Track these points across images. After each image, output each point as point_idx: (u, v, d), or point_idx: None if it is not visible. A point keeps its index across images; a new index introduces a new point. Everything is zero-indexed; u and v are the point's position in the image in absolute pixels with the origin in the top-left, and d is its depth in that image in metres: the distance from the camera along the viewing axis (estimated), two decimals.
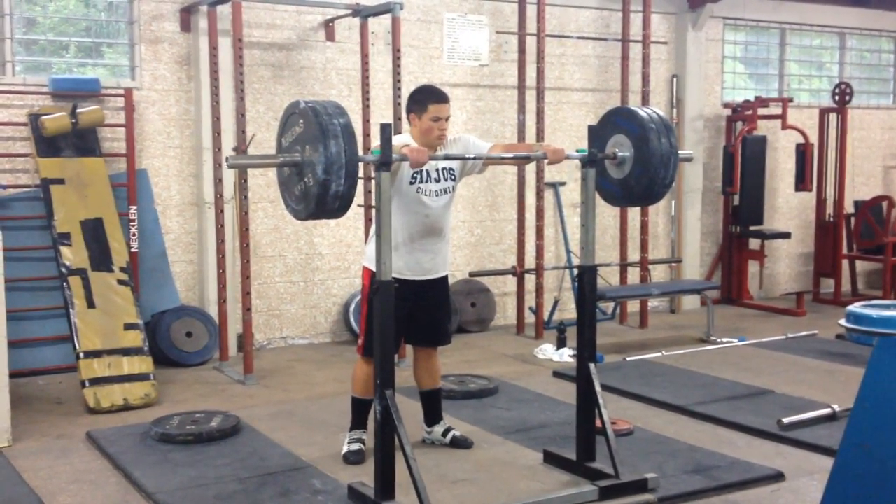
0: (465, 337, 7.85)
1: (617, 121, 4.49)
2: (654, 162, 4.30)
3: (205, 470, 4.55)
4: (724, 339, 7.61)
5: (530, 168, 7.95)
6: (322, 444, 4.94)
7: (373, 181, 4.64)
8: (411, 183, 4.46)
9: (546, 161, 4.41)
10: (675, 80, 9.05)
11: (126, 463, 4.63)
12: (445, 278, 4.76)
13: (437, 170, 4.52)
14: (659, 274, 9.15)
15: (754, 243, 9.41)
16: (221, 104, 6.62)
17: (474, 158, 4.49)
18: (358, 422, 4.77)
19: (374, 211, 4.80)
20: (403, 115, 6.73)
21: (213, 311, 6.98)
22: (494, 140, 7.95)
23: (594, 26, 8.65)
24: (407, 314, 4.52)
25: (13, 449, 4.91)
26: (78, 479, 4.50)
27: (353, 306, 7.54)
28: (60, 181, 6.37)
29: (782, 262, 10.10)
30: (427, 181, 4.50)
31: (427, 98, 4.49)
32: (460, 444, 4.88)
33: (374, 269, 4.44)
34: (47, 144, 6.43)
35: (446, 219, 4.63)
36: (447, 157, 4.40)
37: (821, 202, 9.62)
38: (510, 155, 4.68)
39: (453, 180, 4.59)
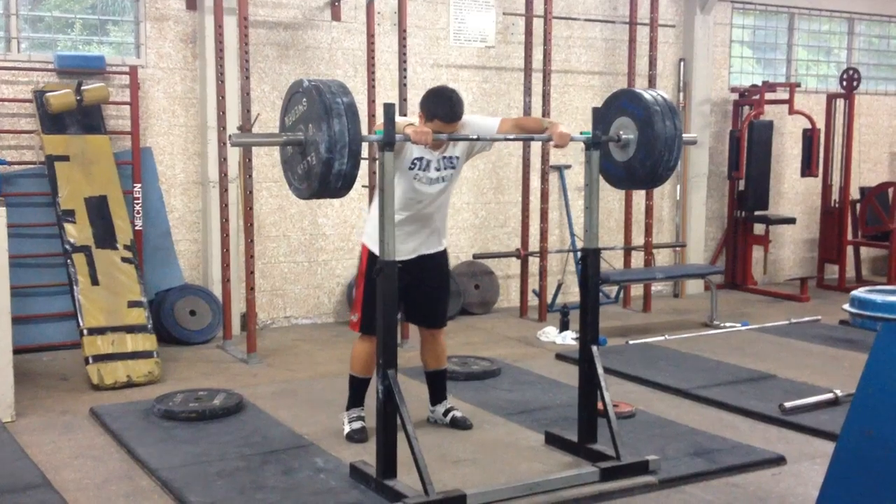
0: (468, 319, 7.86)
1: (621, 103, 4.47)
2: (659, 145, 4.29)
3: (208, 447, 4.57)
4: (728, 324, 7.62)
5: (535, 151, 7.94)
6: (325, 423, 4.96)
7: (376, 161, 4.61)
8: (410, 168, 4.44)
9: (552, 144, 4.39)
10: (682, 63, 9.02)
11: (129, 439, 4.65)
12: (443, 257, 4.72)
13: (439, 159, 4.48)
14: (663, 258, 9.14)
15: (759, 228, 9.38)
16: (226, 83, 6.60)
17: (478, 140, 4.44)
18: (355, 400, 4.78)
19: (373, 190, 4.81)
20: (409, 95, 6.77)
21: (216, 290, 6.99)
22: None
23: (601, 9, 8.60)
24: (405, 295, 4.48)
25: (17, 424, 4.93)
26: (81, 455, 4.53)
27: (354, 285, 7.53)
28: (65, 158, 6.37)
29: (787, 248, 10.09)
30: (426, 169, 4.45)
31: (436, 110, 4.31)
32: (459, 424, 4.89)
33: (371, 246, 4.47)
34: (52, 121, 6.42)
35: (441, 206, 4.58)
36: (451, 139, 4.37)
37: (826, 188, 9.59)
38: (513, 136, 4.64)
39: (453, 168, 4.53)
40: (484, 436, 4.82)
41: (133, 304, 6.08)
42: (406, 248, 4.50)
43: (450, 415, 4.93)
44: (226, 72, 6.58)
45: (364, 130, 3.76)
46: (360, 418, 4.75)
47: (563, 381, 5.79)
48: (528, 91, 7.83)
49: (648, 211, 8.47)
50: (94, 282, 6.06)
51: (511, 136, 4.59)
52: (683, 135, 4.40)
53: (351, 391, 4.79)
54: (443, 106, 4.32)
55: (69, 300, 6.15)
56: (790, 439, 4.83)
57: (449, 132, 4.31)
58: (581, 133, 4.44)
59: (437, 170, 4.48)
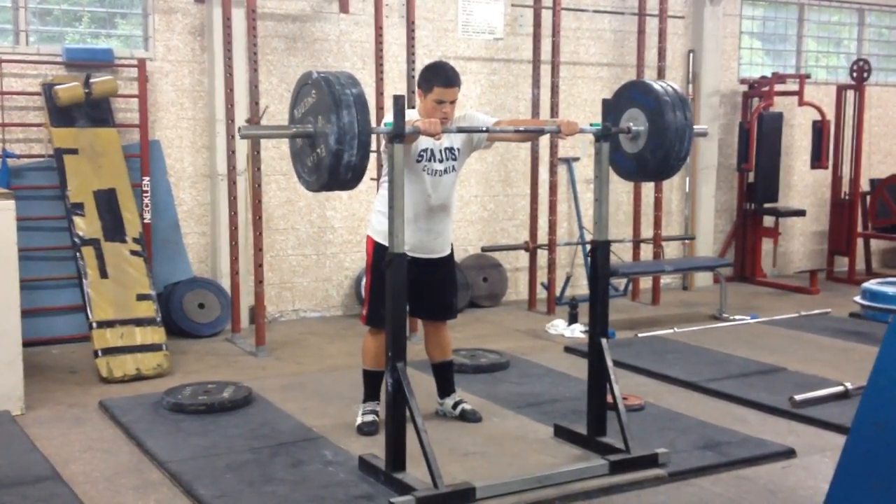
0: (476, 312, 7.85)
1: (631, 95, 4.45)
2: (669, 135, 4.27)
3: (217, 440, 4.58)
4: (737, 317, 7.59)
5: (544, 144, 7.91)
6: (333, 416, 4.96)
7: (383, 154, 4.61)
8: (418, 161, 4.46)
9: (560, 134, 4.38)
10: (691, 55, 8.98)
11: (138, 432, 4.66)
12: (450, 256, 4.77)
13: (440, 150, 4.51)
14: (672, 251, 9.11)
15: (768, 221, 9.36)
16: (235, 76, 6.59)
17: (486, 131, 4.45)
18: (371, 394, 4.78)
19: (379, 183, 4.81)
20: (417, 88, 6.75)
21: (225, 283, 6.99)
22: (508, 115, 7.93)
23: (610, 0, 8.57)
24: (410, 288, 4.49)
25: (27, 417, 4.95)
26: (90, 448, 4.54)
27: (364, 280, 7.53)
28: (74, 151, 6.38)
29: (796, 240, 10.05)
30: (431, 160, 4.49)
31: (434, 79, 4.42)
32: (469, 417, 4.89)
33: (378, 239, 4.49)
34: (61, 114, 6.43)
35: (450, 199, 4.62)
36: (460, 130, 4.38)
37: (836, 180, 9.55)
38: (522, 128, 4.65)
39: (455, 160, 4.57)
40: (493, 429, 4.82)
41: (142, 297, 6.08)
42: (417, 246, 4.49)
43: (459, 408, 4.93)
44: (234, 64, 6.58)
45: (372, 122, 3.75)
46: (374, 412, 4.75)
47: (571, 374, 5.78)
48: (536, 83, 7.81)
49: (657, 203, 8.44)
50: (103, 275, 6.06)
51: (521, 129, 4.59)
52: (694, 126, 4.37)
53: (365, 385, 4.80)
54: (438, 73, 4.45)
55: (78, 293, 6.16)
56: (800, 432, 4.81)
57: (451, 97, 4.40)
58: (591, 125, 4.43)
59: (441, 161, 4.51)
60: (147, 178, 6.73)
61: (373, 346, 4.67)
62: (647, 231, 8.55)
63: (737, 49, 9.50)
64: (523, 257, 8.21)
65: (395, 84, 7.27)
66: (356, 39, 7.51)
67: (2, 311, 4.93)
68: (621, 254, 8.45)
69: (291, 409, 5.09)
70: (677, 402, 5.32)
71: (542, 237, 8.01)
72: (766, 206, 9.24)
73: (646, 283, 8.57)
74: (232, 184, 6.63)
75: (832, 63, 10.35)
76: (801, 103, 9.01)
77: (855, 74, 9.35)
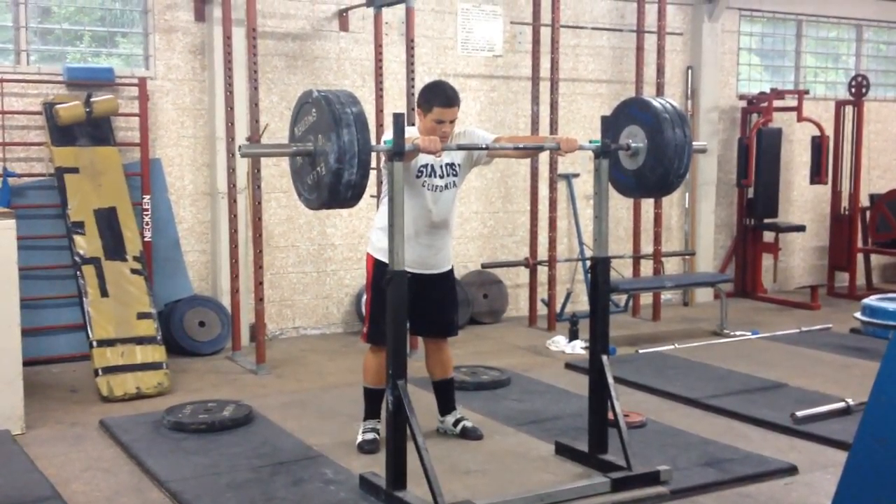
0: (477, 328, 7.84)
1: (631, 111, 4.47)
2: (669, 152, 4.28)
3: (217, 458, 4.57)
4: (738, 332, 7.59)
5: (543, 160, 7.93)
6: (334, 434, 4.95)
7: (383, 171, 4.63)
8: (417, 177, 4.47)
9: (559, 151, 4.40)
10: (690, 71, 9.01)
11: (139, 451, 4.65)
12: (450, 272, 4.77)
13: (441, 166, 4.52)
14: (672, 266, 9.11)
15: (768, 236, 9.36)
16: (235, 94, 6.61)
17: (485, 148, 4.48)
18: (371, 412, 4.78)
19: (379, 200, 4.83)
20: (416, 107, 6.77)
21: (225, 301, 6.99)
22: (508, 132, 7.95)
23: (609, 17, 8.60)
24: (410, 306, 4.50)
25: (27, 436, 4.94)
26: (91, 467, 4.53)
27: (364, 297, 7.53)
28: (75, 170, 6.39)
29: (797, 256, 10.05)
30: (432, 176, 4.51)
31: (433, 99, 4.44)
32: (470, 434, 4.88)
33: (378, 257, 4.50)
34: (62, 133, 6.44)
35: (450, 214, 4.64)
36: (460, 147, 4.40)
37: (836, 195, 9.55)
38: (522, 145, 4.67)
39: (455, 176, 4.59)
40: (494, 446, 4.80)
41: (142, 316, 6.08)
42: (417, 262, 4.50)
43: (460, 425, 4.92)
44: (234, 83, 6.60)
45: (372, 140, 3.76)
46: (374, 430, 4.74)
47: (572, 391, 5.77)
48: (535, 100, 7.83)
49: (657, 219, 8.45)
50: (104, 293, 6.06)
51: (520, 146, 4.61)
52: (693, 143, 4.39)
53: (366, 403, 4.79)
54: (438, 93, 4.46)
55: (79, 312, 6.15)
56: (802, 449, 4.80)
57: (450, 116, 4.42)
58: (590, 141, 4.44)
59: (442, 177, 4.52)
60: (147, 197, 6.74)
61: (373, 363, 4.67)
62: (646, 247, 8.55)
63: (735, 65, 9.53)
64: (523, 273, 8.21)
65: (395, 101, 7.29)
66: (356, 57, 7.54)
67: (2, 330, 4.93)
68: (621, 270, 8.45)
69: (292, 427, 5.08)
70: (678, 418, 5.31)
71: (543, 253, 8.01)
72: (766, 221, 9.24)
73: (646, 298, 8.57)
74: (232, 201, 6.64)
75: (830, 79, 10.38)
76: (800, 119, 9.04)
77: (853, 90, 9.38)
